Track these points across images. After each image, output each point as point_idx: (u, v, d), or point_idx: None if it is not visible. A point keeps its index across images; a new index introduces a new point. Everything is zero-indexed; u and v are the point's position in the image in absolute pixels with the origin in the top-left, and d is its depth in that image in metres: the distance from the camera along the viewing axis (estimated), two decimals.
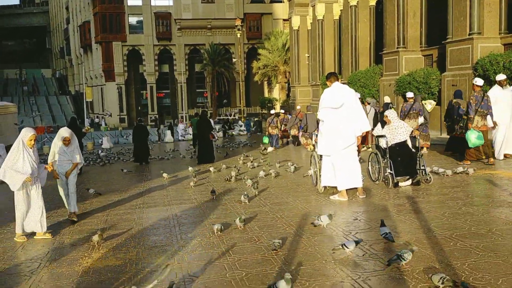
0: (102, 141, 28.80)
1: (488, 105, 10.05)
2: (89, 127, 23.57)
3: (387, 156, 8.41)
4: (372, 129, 9.37)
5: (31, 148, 6.34)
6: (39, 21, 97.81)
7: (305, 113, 17.48)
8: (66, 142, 7.10)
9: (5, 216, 8.23)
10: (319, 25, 29.07)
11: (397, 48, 20.03)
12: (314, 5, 29.06)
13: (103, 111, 61.54)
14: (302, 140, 17.77)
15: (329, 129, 7.67)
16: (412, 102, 12.57)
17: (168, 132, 31.75)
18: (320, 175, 8.22)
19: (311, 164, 9.28)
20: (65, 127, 7.44)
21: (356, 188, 7.79)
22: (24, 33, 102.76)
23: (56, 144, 7.20)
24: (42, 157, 21.06)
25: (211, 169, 12.40)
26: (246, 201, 7.76)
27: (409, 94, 12.97)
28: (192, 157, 16.60)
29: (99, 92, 62.67)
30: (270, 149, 16.82)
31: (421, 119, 12.41)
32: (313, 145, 16.61)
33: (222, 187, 9.72)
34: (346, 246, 4.78)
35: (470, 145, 10.08)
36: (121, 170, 13.97)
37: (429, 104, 12.82)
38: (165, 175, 11.49)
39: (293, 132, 18.76)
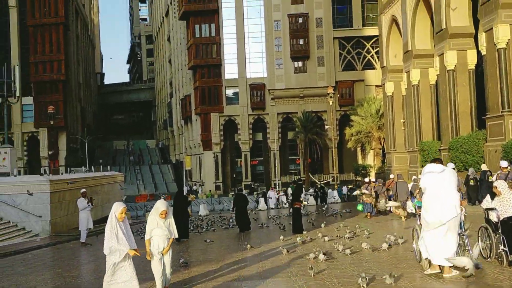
0: (199, 209, 29.77)
1: None
2: (193, 195, 24.61)
3: (499, 231, 7.72)
4: (480, 201, 8.77)
5: (121, 221, 6.56)
6: (146, 96, 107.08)
7: (395, 181, 17.11)
8: (163, 215, 6.93)
9: None
10: (414, 91, 28.52)
11: (502, 112, 18.91)
12: (409, 71, 28.73)
13: (200, 179, 64.18)
14: (392, 209, 17.31)
15: (432, 196, 7.39)
16: (507, 172, 11.77)
17: (262, 200, 32.07)
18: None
19: (413, 239, 8.76)
20: (161, 200, 7.52)
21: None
22: (132, 107, 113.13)
23: (153, 219, 7.00)
24: (143, 224, 22.17)
25: (299, 239, 12.21)
26: (364, 285, 6.98)
27: (503, 163, 12.16)
28: (281, 227, 16.40)
29: (197, 160, 65.76)
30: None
31: None
32: (406, 215, 16.15)
33: (318, 260, 9.42)
34: None
35: None
36: (204, 241, 13.86)
37: None
38: (248, 246, 11.57)
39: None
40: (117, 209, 6.54)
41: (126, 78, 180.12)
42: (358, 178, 47.79)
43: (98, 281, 9.15)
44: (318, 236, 12.80)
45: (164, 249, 6.90)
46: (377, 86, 55.13)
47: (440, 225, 7.23)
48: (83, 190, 16.17)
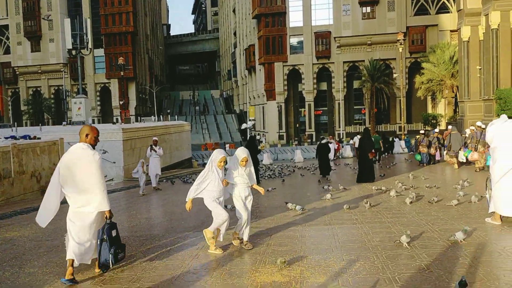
0: (262, 157, 30.19)
1: None
2: (264, 144, 25.12)
3: None
4: None
5: (220, 169, 6.73)
6: (210, 46, 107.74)
7: (450, 132, 18.17)
8: (244, 162, 6.83)
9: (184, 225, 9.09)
10: (493, 35, 26.55)
11: None
12: (488, 14, 26.66)
13: (263, 129, 64.74)
14: (446, 158, 18.82)
15: (498, 147, 7.26)
16: None
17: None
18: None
19: (486, 188, 8.46)
20: (242, 147, 7.31)
21: None
22: (197, 58, 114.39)
23: (234, 167, 6.89)
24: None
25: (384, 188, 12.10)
26: (406, 243, 6.44)
27: None
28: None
29: (261, 110, 66.16)
30: None
31: None
32: (458, 164, 17.31)
33: (385, 208, 9.36)
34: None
35: None
36: (267, 190, 13.91)
37: None
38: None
39: (432, 151, 19.99)
40: (217, 157, 6.70)
41: (191, 29, 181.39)
42: (427, 128, 46.09)
43: (169, 223, 9.66)
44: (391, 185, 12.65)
45: (245, 197, 6.88)
46: (452, 31, 51.98)
47: (508, 171, 7.09)
48: (154, 138, 16.63)
